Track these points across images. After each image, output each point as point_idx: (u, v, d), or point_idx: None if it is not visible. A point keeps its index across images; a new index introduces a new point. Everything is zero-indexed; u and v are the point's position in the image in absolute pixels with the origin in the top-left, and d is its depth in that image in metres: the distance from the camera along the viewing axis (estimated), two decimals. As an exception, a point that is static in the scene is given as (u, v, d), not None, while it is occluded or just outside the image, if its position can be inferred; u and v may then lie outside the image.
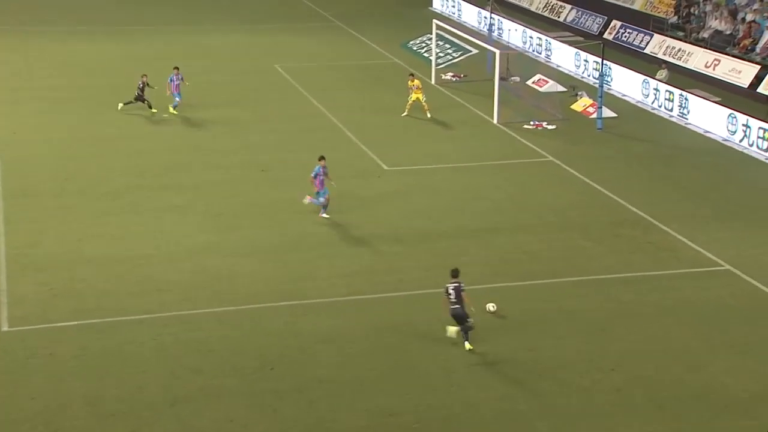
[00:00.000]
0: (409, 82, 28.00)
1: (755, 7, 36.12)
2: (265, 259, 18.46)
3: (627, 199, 21.69)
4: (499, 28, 38.51)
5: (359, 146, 25.45)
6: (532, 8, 46.01)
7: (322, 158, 20.41)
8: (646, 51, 36.68)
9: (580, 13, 42.47)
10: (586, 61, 33.32)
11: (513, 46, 37.23)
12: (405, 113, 27.92)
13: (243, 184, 22.62)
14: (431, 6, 47.27)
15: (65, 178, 22.73)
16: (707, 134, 26.81)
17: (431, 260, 18.48)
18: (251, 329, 15.83)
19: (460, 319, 15.20)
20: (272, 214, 20.74)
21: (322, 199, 20.28)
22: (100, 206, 21.07)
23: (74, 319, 16.02)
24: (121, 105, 27.70)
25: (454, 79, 32.85)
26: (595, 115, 27.89)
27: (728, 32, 35.70)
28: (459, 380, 14.34)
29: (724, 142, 26.05)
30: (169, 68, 32.23)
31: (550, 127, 27.50)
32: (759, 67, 31.66)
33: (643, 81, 30.15)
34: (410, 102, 27.82)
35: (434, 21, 33.18)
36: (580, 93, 30.36)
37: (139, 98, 27.46)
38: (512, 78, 32.32)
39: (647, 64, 33.52)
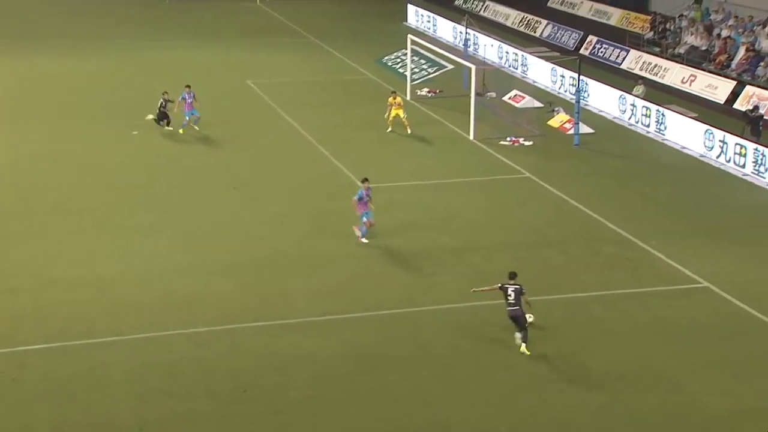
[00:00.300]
0: (390, 99, 28.15)
1: (730, 23, 36.81)
2: (239, 279, 18.41)
3: (604, 215, 21.91)
4: (474, 44, 38.86)
5: (334, 163, 25.51)
6: (508, 23, 46.51)
7: (365, 180, 20.18)
8: (623, 66, 37.18)
9: (556, 28, 42.99)
10: (562, 76, 33.69)
11: (489, 62, 37.53)
12: (389, 129, 28.04)
13: (215, 202, 22.57)
14: (406, 21, 47.62)
15: (30, 196, 22.55)
16: (684, 150, 27.19)
17: (408, 278, 18.54)
18: (225, 351, 15.76)
19: (518, 320, 15.64)
20: (245, 233, 20.71)
21: (364, 219, 19.99)
22: (67, 225, 20.92)
23: (39, 342, 15.86)
24: (149, 116, 27.55)
25: (429, 94, 33.06)
26: (572, 131, 28.18)
27: (704, 48, 36.31)
28: (434, 400, 14.37)
29: (702, 158, 26.42)
30: (141, 84, 32.09)
31: (526, 143, 27.74)
32: (735, 82, 32.22)
33: (620, 97, 30.54)
34: (391, 118, 27.95)
35: (409, 36, 33.43)
36: (556, 109, 30.67)
37: (162, 115, 27.29)
38: (488, 94, 32.59)
39: (624, 80, 33.96)
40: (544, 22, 44.13)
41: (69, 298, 17.49)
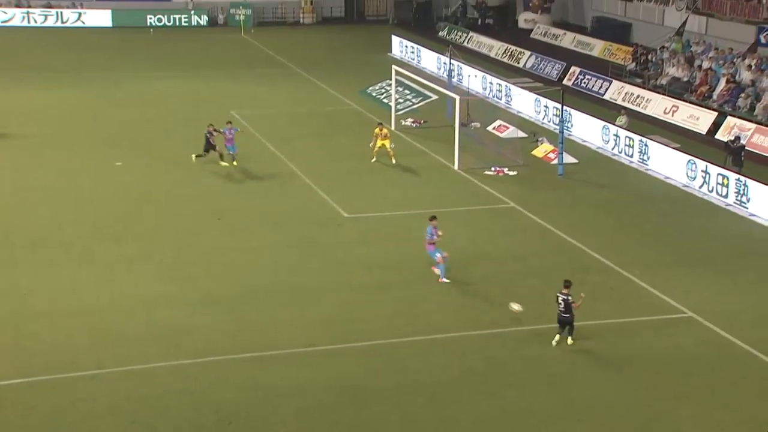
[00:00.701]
0: (377, 130, 28.38)
1: (711, 54, 37.47)
2: (223, 310, 18.43)
3: (589, 245, 22.12)
4: (458, 74, 39.30)
5: (319, 194, 25.65)
6: (492, 54, 47.09)
7: (433, 218, 20.01)
8: (606, 97, 37.68)
9: (539, 59, 43.56)
10: (546, 107, 34.10)
11: (473, 92, 37.94)
12: (374, 159, 28.24)
13: (199, 232, 22.62)
14: (390, 52, 48.09)
15: (12, 227, 22.50)
16: (667, 180, 27.53)
17: (393, 309, 18.61)
18: (209, 383, 15.74)
19: (565, 324, 17.06)
20: (229, 263, 20.75)
21: (438, 256, 19.79)
22: (49, 257, 20.88)
23: (21, 376, 15.76)
24: (193, 157, 27.38)
25: (414, 125, 33.34)
26: (556, 161, 28.46)
27: (685, 79, 36.92)
28: (422, 431, 14.41)
29: (684, 188, 26.76)
30: (124, 115, 32.19)
31: (511, 173, 27.99)
32: (716, 113, 32.74)
33: (603, 127, 30.93)
34: (376, 149, 28.16)
35: (393, 67, 33.77)
36: (540, 139, 30.99)
37: (209, 147, 27.19)
38: (473, 124, 32.90)
39: (607, 110, 34.41)
40: (528, 53, 44.71)
41: (51, 330, 17.43)
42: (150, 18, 55.12)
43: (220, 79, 41.11)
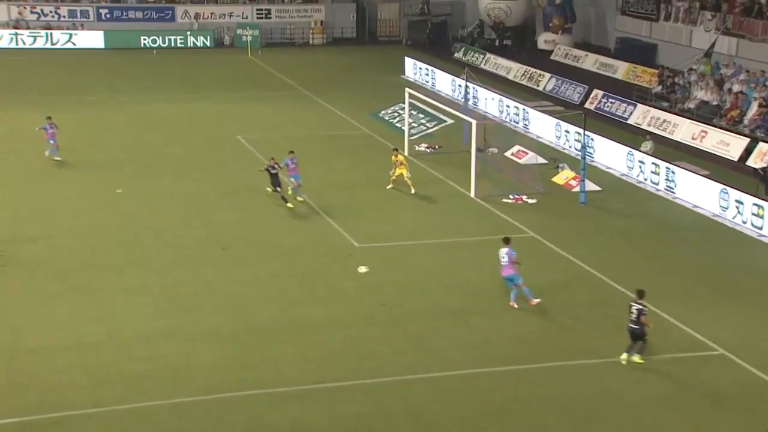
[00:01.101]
0: (393, 157, 28.47)
1: (741, 77, 37.45)
2: (227, 345, 18.39)
3: (613, 277, 22.01)
4: (475, 97, 39.44)
5: (328, 222, 25.68)
6: (510, 77, 47.26)
7: (507, 240, 20.36)
8: (630, 122, 37.69)
9: (560, 82, 43.67)
10: (567, 131, 34.12)
11: (490, 116, 38.04)
12: (389, 186, 28.29)
13: (202, 263, 22.65)
14: (403, 74, 48.36)
15: (5, 258, 22.59)
16: (696, 209, 27.41)
17: (406, 344, 18.52)
18: (211, 422, 15.68)
19: (636, 337, 17.33)
20: (233, 296, 20.75)
21: (519, 282, 20.10)
22: (45, 289, 20.93)
23: (14, 416, 15.73)
24: (269, 190, 26.95)
25: (428, 150, 33.42)
26: (577, 189, 28.42)
27: (715, 103, 36.89)
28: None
29: (715, 218, 26.62)
30: (126, 139, 32.35)
31: (530, 200, 27.96)
32: (748, 139, 32.63)
33: (628, 153, 30.89)
34: (395, 177, 28.23)
35: (406, 89, 33.93)
36: (561, 165, 30.98)
37: (275, 183, 26.61)
38: (490, 149, 32.94)
39: (631, 136, 34.39)
40: (548, 75, 44.84)
41: (46, 366, 17.42)
42: (144, 39, 55.57)
43: (226, 102, 41.41)
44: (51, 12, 56.39)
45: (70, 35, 55.10)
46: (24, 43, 54.69)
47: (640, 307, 17.51)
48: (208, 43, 56.94)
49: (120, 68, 49.63)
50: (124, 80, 46.28)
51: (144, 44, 55.59)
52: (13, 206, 26.69)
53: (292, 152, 27.56)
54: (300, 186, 27.17)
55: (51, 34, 54.90)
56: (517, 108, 37.63)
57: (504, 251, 20.26)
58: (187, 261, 22.72)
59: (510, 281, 20.29)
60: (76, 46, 54.81)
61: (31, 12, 56.21)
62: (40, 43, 54.79)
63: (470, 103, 37.62)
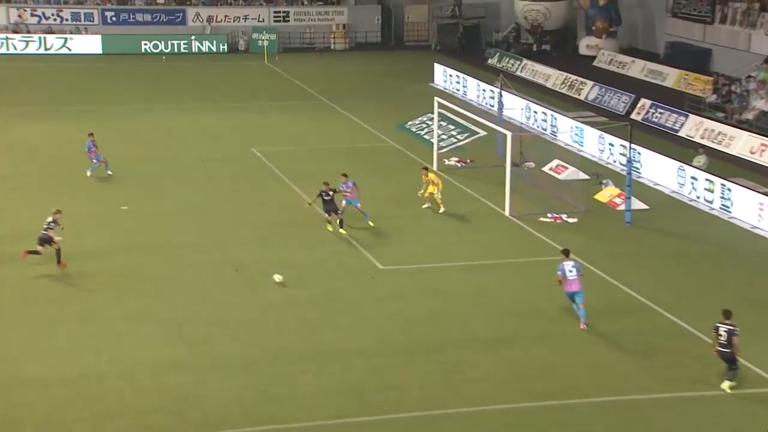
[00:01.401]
0: (423, 177, 28.54)
1: (805, 84, 37.22)
2: (239, 376, 18.49)
3: (662, 304, 21.90)
4: (510, 107, 39.49)
5: (350, 242, 25.78)
6: (549, 84, 47.31)
7: (568, 252, 21.18)
8: (681, 134, 37.58)
9: (603, 90, 43.65)
10: (611, 144, 34.07)
11: (527, 128, 38.06)
12: (426, 205, 28.32)
13: (213, 286, 22.82)
14: (432, 81, 48.55)
15: (1, 283, 22.86)
16: (755, 230, 27.24)
17: (434, 376, 18.53)
18: (221, 459, 15.77)
19: (728, 362, 17.61)
20: (247, 322, 20.87)
21: (579, 303, 20.56)
22: (45, 315, 21.16)
23: (10, 450, 15.94)
24: (331, 227, 26.17)
25: (459, 164, 33.49)
26: (622, 207, 28.36)
27: (775, 113, 36.68)
28: None
29: (776, 240, 26.44)
30: (132, 153, 32.65)
31: (570, 220, 27.92)
32: (813, 153, 32.42)
33: (678, 168, 30.79)
34: (426, 195, 28.27)
35: (436, 99, 34.08)
36: (605, 181, 30.92)
37: (330, 209, 26.12)
38: (526, 164, 32.95)
39: (682, 149, 34.28)
40: (590, 83, 44.84)
41: (45, 398, 17.59)
42: (145, 44, 56.05)
43: (240, 112, 41.77)
44: (53, 15, 57.14)
45: (65, 39, 55.61)
46: (15, 48, 55.25)
47: (731, 327, 17.63)
48: (216, 48, 57.07)
49: (123, 75, 50.20)
50: (127, 88, 46.79)
51: (145, 50, 56.09)
52: (9, 225, 27.03)
53: (345, 175, 27.17)
54: (362, 209, 26.65)
55: (45, 38, 55.42)
56: (557, 119, 37.63)
57: (571, 264, 20.68)
58: (197, 284, 22.90)
59: (577, 297, 20.58)
60: (72, 52, 55.32)
61: (32, 15, 56.99)
62: (32, 48, 55.34)
63: (505, 113, 37.65)
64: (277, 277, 22.22)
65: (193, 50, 56.81)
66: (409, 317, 21.14)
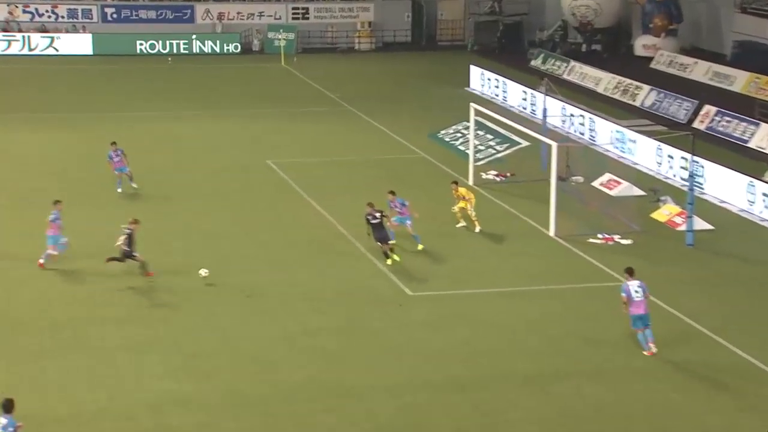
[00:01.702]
0: (453, 192, 28.56)
1: None
2: (251, 414, 18.48)
3: (729, 337, 21.71)
4: (556, 115, 39.45)
5: (375, 265, 25.80)
6: (599, 89, 47.25)
7: (632, 271, 21.19)
8: (751, 145, 37.36)
9: (662, 96, 43.52)
10: (670, 157, 33.94)
11: (574, 138, 37.98)
12: (460, 224, 28.41)
13: (222, 313, 22.89)
14: (468, 86, 48.63)
15: (-8, 306, 23.10)
16: (835, 253, 27.00)
17: (470, 416, 18.45)
18: None
19: None
20: (260, 354, 20.90)
21: (647, 334, 20.87)
22: (35, 345, 21.26)
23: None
24: (390, 260, 25.58)
25: (497, 178, 33.47)
26: (683, 227, 28.21)
27: None
28: None
29: None
30: (139, 163, 32.88)
31: (624, 241, 27.81)
32: None
33: (748, 184, 30.61)
34: (457, 210, 28.29)
35: (472, 105, 34.13)
36: (663, 198, 30.79)
37: (381, 236, 25.71)
38: (574, 178, 32.89)
39: (752, 162, 34.09)
40: (647, 87, 44.73)
41: (35, 436, 17.68)
42: (141, 44, 56.44)
43: (254, 120, 42.02)
44: (47, 12, 57.80)
45: (52, 39, 56.19)
46: None
47: None
48: (220, 49, 57.42)
49: (122, 78, 50.68)
50: (129, 92, 47.21)
51: (140, 50, 56.51)
52: (3, 247, 27.30)
53: (392, 192, 27.23)
54: (412, 228, 26.65)
55: (29, 37, 55.95)
56: (608, 128, 37.53)
57: (636, 284, 20.88)
58: (204, 311, 22.97)
59: (643, 321, 20.74)
60: (59, 52, 55.79)
61: (24, 11, 57.64)
62: (15, 49, 55.86)
63: (550, 121, 37.63)
64: (204, 272, 23.65)
65: (194, 50, 57.06)
66: (442, 349, 21.08)
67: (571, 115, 37.91)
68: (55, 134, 39.08)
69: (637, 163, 35.17)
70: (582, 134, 37.12)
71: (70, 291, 24.02)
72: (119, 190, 31.36)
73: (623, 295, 20.94)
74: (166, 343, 21.32)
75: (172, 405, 18.83)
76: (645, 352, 20.75)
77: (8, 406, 15.97)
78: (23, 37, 56.03)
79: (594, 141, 36.71)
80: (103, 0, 58.96)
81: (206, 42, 57.75)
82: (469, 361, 20.64)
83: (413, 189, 32.19)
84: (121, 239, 24.60)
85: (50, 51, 56.01)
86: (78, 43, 56.41)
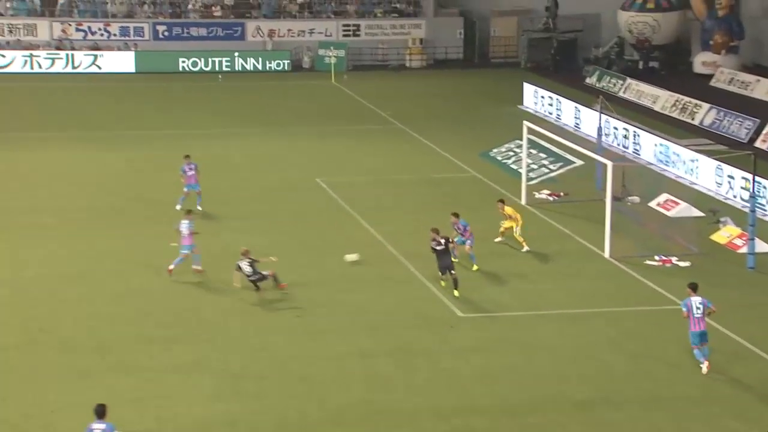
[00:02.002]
0: (499, 211, 28.49)
1: None
2: (299, 438, 18.56)
3: (792, 364, 21.42)
4: (612, 133, 39.21)
5: (426, 286, 25.77)
6: (657, 107, 46.88)
7: (695, 287, 21.32)
8: (814, 164, 36.82)
9: (722, 114, 43.09)
10: (731, 177, 33.59)
11: (630, 157, 37.72)
12: (498, 239, 28.38)
13: (272, 334, 22.98)
14: (521, 104, 48.51)
15: (38, 328, 23.29)
16: None
17: (521, 443, 18.39)
18: None
19: None
20: (309, 376, 20.94)
21: (704, 351, 21.03)
22: (83, 365, 21.43)
23: None
24: (456, 293, 24.95)
25: (551, 198, 33.34)
26: (744, 249, 27.89)
27: None
28: None
29: None
30: (176, 184, 33.08)
31: (682, 264, 27.56)
32: None
33: (810, 204, 30.20)
34: (503, 229, 28.25)
35: (525, 123, 34.04)
36: (723, 219, 30.49)
37: (444, 266, 24.89)
38: (630, 198, 32.66)
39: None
40: (706, 106, 44.32)
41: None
42: (183, 62, 57.06)
43: (304, 138, 42.25)
44: (100, 30, 58.65)
45: (95, 57, 56.95)
46: (40, 67, 56.59)
47: None
48: (262, 66, 57.68)
49: (179, 98, 51.17)
50: (184, 112, 47.67)
51: (183, 68, 57.08)
52: (46, 266, 27.63)
53: (456, 214, 27.09)
54: (472, 255, 26.57)
55: (72, 55, 56.80)
56: (666, 147, 37.23)
57: (699, 300, 20.93)
58: (254, 331, 23.08)
59: (702, 338, 20.84)
60: (102, 70, 56.56)
61: (77, 30, 58.56)
62: (59, 67, 56.71)
63: (605, 139, 37.44)
64: (351, 257, 22.27)
65: (245, 68, 57.33)
66: (493, 373, 21.00)
67: (615, 128, 37.63)
68: (103, 153, 39.54)
69: (695, 183, 34.83)
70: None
71: (118, 310, 24.25)
72: (178, 207, 31.05)
73: (684, 310, 20.99)
74: (214, 364, 21.44)
75: (220, 427, 18.92)
76: (702, 366, 20.83)
77: (101, 412, 16.46)
78: (66, 55, 56.68)
79: (639, 154, 36.37)
80: (155, 18, 59.72)
81: (257, 59, 58.14)
82: (520, 384, 20.53)
83: (464, 209, 32.05)
84: (247, 269, 24.67)
85: (93, 69, 56.51)
86: (121, 62, 56.96)
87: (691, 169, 35.43)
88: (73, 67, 56.71)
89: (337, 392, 20.28)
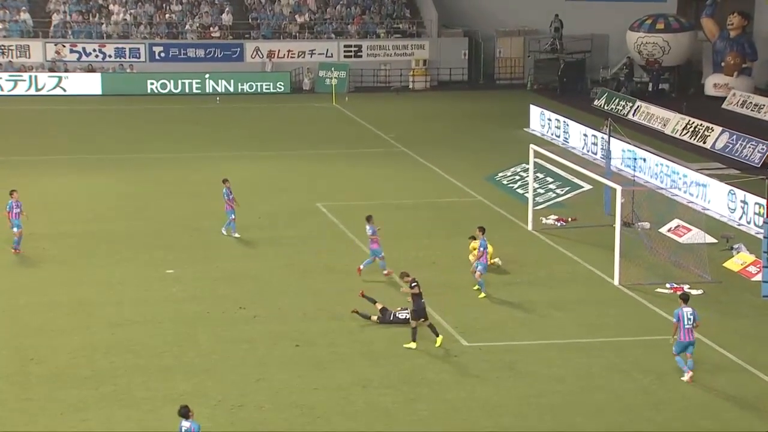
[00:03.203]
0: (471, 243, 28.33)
1: None
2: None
3: (809, 396, 21.40)
4: (621, 157, 39.27)
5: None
6: (668, 131, 47.01)
7: (687, 298, 22.11)
8: (831, 190, 36.85)
9: (734, 138, 43.19)
10: (744, 202, 33.63)
11: (640, 181, 37.79)
12: (493, 261, 28.41)
13: (271, 364, 22.96)
14: (527, 126, 48.65)
15: (30, 358, 23.25)
16: None
17: (529, 477, 18.37)
18: None
19: None
20: (310, 407, 20.90)
21: (689, 363, 21.75)
22: (77, 396, 21.40)
23: None
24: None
25: (558, 224, 33.38)
26: (759, 277, 27.90)
27: None
28: None
29: None
30: (180, 209, 33.20)
31: (694, 291, 27.51)
32: None
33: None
34: (473, 261, 28.01)
35: (531, 146, 34.13)
36: (736, 246, 30.52)
37: (420, 311, 23.83)
38: (640, 224, 32.69)
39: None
40: (718, 129, 44.42)
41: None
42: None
43: (303, 161, 42.35)
44: (94, 51, 58.89)
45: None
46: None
47: None
48: (255, 88, 57.94)
49: (176, 121, 51.31)
50: (180, 135, 47.79)
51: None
52: (38, 295, 27.64)
53: (481, 228, 27.20)
54: (480, 279, 26.87)
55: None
56: (676, 171, 37.28)
57: (690, 312, 21.45)
58: (252, 361, 23.08)
59: (689, 348, 21.47)
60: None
61: (71, 51, 58.81)
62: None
63: (614, 164, 37.50)
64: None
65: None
66: (498, 404, 20.99)
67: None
68: (100, 178, 39.63)
69: (707, 209, 34.87)
70: (633, 168, 36.99)
71: (115, 339, 24.26)
72: (224, 231, 31.75)
73: (675, 321, 21.54)
74: (212, 395, 21.42)
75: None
76: (685, 376, 21.66)
77: (186, 413, 17.20)
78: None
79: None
80: (152, 39, 59.97)
81: (255, 82, 58.31)
82: (527, 416, 20.52)
83: (468, 234, 32.19)
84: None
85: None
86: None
87: (702, 194, 35.50)
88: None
89: (339, 424, 20.26)
